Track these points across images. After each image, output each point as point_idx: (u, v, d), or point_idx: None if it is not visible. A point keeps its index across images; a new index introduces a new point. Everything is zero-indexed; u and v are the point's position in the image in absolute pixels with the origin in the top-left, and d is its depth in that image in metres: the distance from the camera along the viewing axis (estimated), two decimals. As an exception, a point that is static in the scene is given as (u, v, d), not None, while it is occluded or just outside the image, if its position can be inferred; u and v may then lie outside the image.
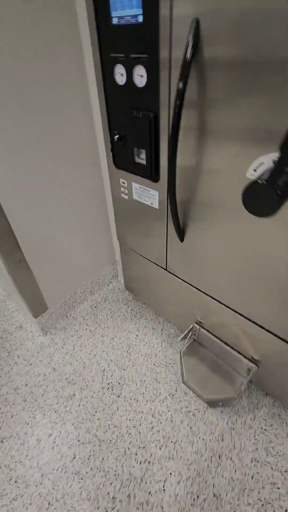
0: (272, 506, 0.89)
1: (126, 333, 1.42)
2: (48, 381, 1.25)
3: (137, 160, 0.89)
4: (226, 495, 0.92)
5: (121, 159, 0.95)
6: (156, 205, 0.95)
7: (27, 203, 1.06)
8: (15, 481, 0.98)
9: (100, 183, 1.28)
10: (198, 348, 1.20)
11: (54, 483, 0.97)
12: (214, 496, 0.92)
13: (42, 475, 0.99)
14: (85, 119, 1.07)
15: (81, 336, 1.42)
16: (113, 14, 0.70)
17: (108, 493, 0.94)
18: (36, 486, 0.96)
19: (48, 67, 0.89)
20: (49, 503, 0.93)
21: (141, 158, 0.88)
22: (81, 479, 0.97)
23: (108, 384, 1.23)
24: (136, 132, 0.83)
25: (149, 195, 0.95)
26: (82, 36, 0.93)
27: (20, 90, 0.86)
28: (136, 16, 0.65)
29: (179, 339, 1.16)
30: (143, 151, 0.85)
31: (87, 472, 0.99)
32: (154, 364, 1.28)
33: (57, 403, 1.17)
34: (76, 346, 1.38)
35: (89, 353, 1.34)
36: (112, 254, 1.60)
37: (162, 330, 1.42)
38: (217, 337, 1.11)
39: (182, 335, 1.15)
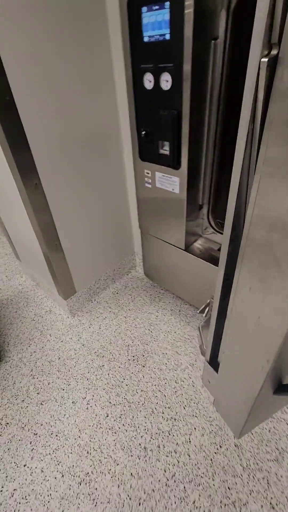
0: (278, 450, 1.00)
1: (147, 314, 1.56)
2: (79, 355, 1.38)
3: (161, 151, 1.06)
4: (247, 445, 1.03)
5: (147, 152, 1.12)
6: (177, 190, 1.11)
7: (64, 197, 1.23)
8: (56, 435, 1.10)
9: (122, 180, 1.45)
10: (214, 322, 1.33)
11: (90, 437, 1.09)
12: (235, 446, 1.03)
13: (79, 430, 1.11)
14: (111, 119, 1.26)
15: (105, 317, 1.56)
16: (145, 34, 0.88)
17: (140, 444, 1.06)
18: (75, 439, 1.09)
19: (83, 79, 1.09)
20: (87, 452, 1.05)
21: (165, 149, 1.05)
22: (115, 433, 1.09)
23: (133, 356, 1.35)
24: (161, 128, 1.00)
25: (171, 181, 1.11)
26: (113, 54, 1.12)
27: (64, 95, 1.05)
28: (164, 35, 0.84)
29: (197, 312, 1.30)
30: (167, 143, 1.02)
31: (119, 428, 1.11)
32: (174, 339, 1.41)
33: (88, 372, 1.30)
34: (101, 326, 1.52)
35: (114, 331, 1.48)
36: (131, 246, 1.75)
37: (180, 311, 1.56)
38: (232, 309, 1.24)
39: (201, 308, 1.29)
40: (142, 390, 1.22)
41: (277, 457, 0.99)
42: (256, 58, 0.43)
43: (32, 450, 1.07)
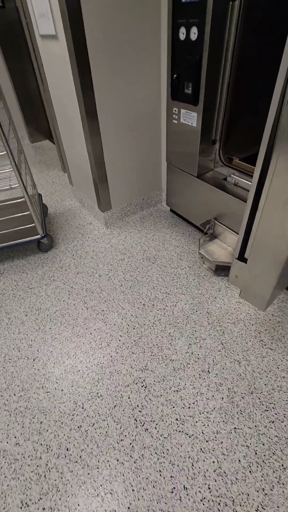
0: (243, 322, 1.38)
1: (163, 234, 1.97)
2: (107, 251, 1.86)
3: (186, 91, 1.41)
4: (215, 313, 1.43)
5: (176, 92, 1.47)
6: (195, 124, 1.46)
7: (112, 129, 1.64)
8: (86, 290, 1.60)
9: (158, 120, 1.82)
10: (213, 239, 1.70)
11: (108, 294, 1.57)
12: (207, 312, 1.44)
13: (101, 289, 1.60)
14: (155, 65, 1.61)
15: (131, 232, 2.01)
16: (182, -4, 1.21)
17: (140, 302, 1.52)
18: (98, 293, 1.58)
19: (137, 32, 1.45)
20: (104, 301, 1.53)
21: (189, 89, 1.39)
22: (125, 294, 1.56)
23: (147, 257, 1.79)
24: (187, 71, 1.34)
25: (191, 116, 1.46)
26: (162, 10, 1.46)
27: (119, 46, 1.43)
28: (195, -4, 1.16)
29: (199, 224, 1.67)
30: (190, 84, 1.36)
31: (128, 292, 1.57)
32: (180, 251, 1.82)
33: (112, 261, 1.78)
34: (127, 236, 1.97)
35: (136, 241, 1.92)
36: (159, 182, 2.14)
37: (189, 235, 1.94)
38: (226, 226, 1.59)
39: (203, 221, 1.66)
40: (149, 276, 1.66)
41: (234, 322, 1.38)
42: None
43: (69, 294, 1.58)
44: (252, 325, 1.37)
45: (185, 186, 1.77)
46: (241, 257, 1.01)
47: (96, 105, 1.52)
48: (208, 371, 1.20)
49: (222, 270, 1.62)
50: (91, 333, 1.38)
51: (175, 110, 1.53)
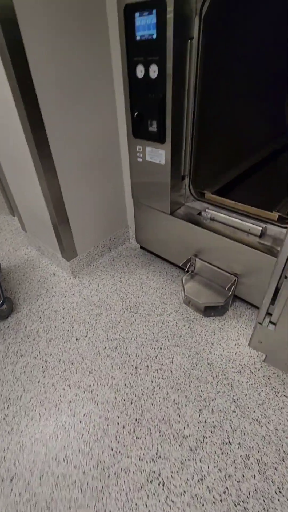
0: (249, 368, 1.26)
1: (139, 276, 1.80)
2: (80, 306, 1.62)
3: (150, 129, 1.31)
4: (217, 363, 1.29)
5: (138, 130, 1.37)
6: (163, 161, 1.36)
7: (71, 172, 1.47)
8: (63, 362, 1.34)
9: (118, 160, 1.70)
10: (195, 276, 1.59)
11: (92, 362, 1.33)
12: (208, 364, 1.29)
13: (82, 357, 1.35)
14: (110, 101, 1.50)
15: (103, 278, 1.80)
16: (137, 34, 1.13)
17: (132, 365, 1.30)
18: (79, 363, 1.33)
19: (86, 68, 1.33)
20: (89, 372, 1.29)
21: (153, 127, 1.30)
22: (112, 359, 1.34)
23: (127, 306, 1.60)
24: (150, 109, 1.25)
25: (158, 154, 1.36)
26: (112, 50, 1.37)
27: (69, 82, 1.29)
28: (152, 35, 1.09)
29: (180, 264, 1.55)
30: (155, 121, 1.27)
31: (115, 355, 1.35)
32: (162, 293, 1.66)
33: (89, 318, 1.54)
34: (99, 284, 1.76)
35: (111, 288, 1.72)
36: (125, 219, 2.00)
37: (167, 273, 1.81)
38: (207, 262, 1.50)
39: (184, 261, 1.54)
40: (134, 330, 1.47)
41: (240, 370, 1.25)
42: None
43: (44, 372, 1.30)
44: (259, 370, 1.25)
45: (157, 224, 1.65)
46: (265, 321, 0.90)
47: (50, 143, 1.34)
48: (229, 441, 1.04)
49: (211, 310, 1.51)
50: (81, 421, 1.12)
51: (139, 148, 1.42)
